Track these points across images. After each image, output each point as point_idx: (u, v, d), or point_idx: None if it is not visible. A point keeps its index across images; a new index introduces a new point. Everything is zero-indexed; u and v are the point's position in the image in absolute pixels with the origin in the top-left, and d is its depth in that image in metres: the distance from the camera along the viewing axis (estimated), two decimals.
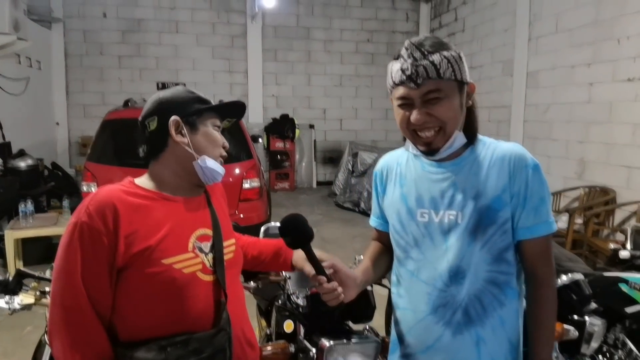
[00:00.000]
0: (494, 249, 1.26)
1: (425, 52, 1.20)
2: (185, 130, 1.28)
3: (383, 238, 1.50)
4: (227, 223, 1.44)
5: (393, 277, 1.45)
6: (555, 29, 6.56)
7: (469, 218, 1.25)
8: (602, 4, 5.73)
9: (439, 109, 1.22)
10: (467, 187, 1.27)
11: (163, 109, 1.30)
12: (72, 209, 5.48)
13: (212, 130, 1.33)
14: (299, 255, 1.56)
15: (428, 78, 1.19)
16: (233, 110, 1.41)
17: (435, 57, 1.19)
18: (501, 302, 1.28)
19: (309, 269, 1.44)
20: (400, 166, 1.42)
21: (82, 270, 1.13)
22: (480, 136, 1.34)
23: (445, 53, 1.20)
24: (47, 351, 1.75)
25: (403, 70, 1.22)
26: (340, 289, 1.29)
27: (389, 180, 1.44)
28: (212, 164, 1.30)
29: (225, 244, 1.35)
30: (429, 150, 1.28)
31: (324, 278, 1.28)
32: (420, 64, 1.19)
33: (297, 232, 1.29)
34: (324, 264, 1.30)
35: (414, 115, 1.23)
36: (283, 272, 1.88)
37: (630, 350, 2.36)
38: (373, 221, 1.53)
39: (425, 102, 1.22)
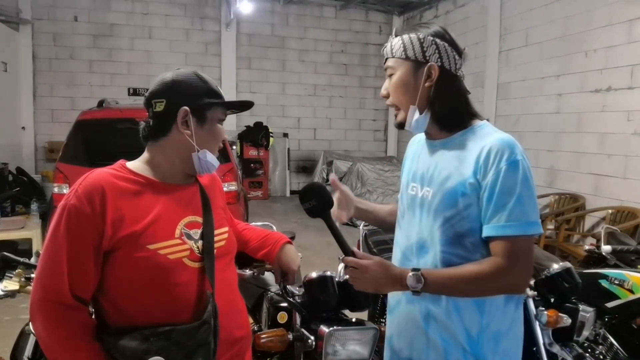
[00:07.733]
0: (450, 231, 1.27)
1: (396, 34, 1.34)
2: (191, 122, 1.26)
3: None
4: (221, 212, 1.43)
5: None
6: (525, 42, 6.79)
7: (435, 197, 1.30)
8: (570, 20, 5.97)
9: (390, 85, 1.35)
10: (444, 167, 1.30)
11: (173, 94, 1.27)
12: (42, 214, 5.32)
13: (217, 125, 1.32)
14: (284, 253, 1.57)
15: (387, 56, 1.35)
16: (240, 105, 1.40)
17: (396, 40, 1.32)
18: None
19: (293, 266, 1.54)
20: (418, 144, 1.49)
21: (68, 252, 1.13)
22: (482, 122, 1.34)
23: (406, 35, 1.31)
24: (32, 340, 1.67)
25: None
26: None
27: (407, 155, 1.53)
28: (210, 158, 1.30)
29: (217, 232, 1.34)
30: (397, 123, 1.39)
31: (353, 260, 1.27)
32: (388, 44, 1.35)
33: (319, 198, 1.30)
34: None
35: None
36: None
37: (611, 344, 2.40)
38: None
39: (388, 77, 1.36)
